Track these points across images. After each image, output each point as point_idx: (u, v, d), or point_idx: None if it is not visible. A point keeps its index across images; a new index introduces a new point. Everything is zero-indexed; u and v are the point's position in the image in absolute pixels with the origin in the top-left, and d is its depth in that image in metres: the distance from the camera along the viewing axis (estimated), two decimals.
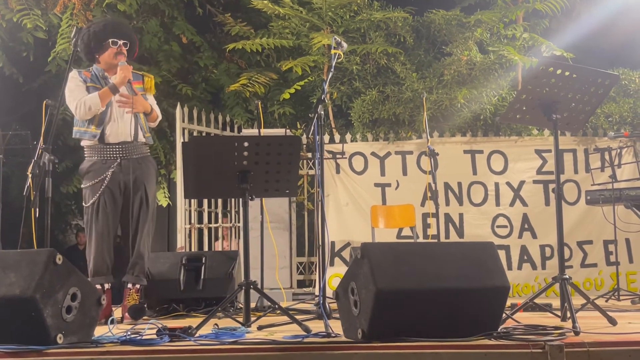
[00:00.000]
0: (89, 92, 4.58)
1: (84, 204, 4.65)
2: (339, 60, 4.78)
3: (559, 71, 3.87)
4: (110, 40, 4.67)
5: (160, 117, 4.95)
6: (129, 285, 4.68)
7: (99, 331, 3.39)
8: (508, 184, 7.25)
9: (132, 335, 3.24)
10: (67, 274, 3.16)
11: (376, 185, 7.34)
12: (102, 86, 4.63)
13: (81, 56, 4.86)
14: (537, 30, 8.17)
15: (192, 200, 7.62)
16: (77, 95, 4.56)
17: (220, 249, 7.97)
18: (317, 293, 6.37)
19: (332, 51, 4.46)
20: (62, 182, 9.58)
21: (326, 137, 7.31)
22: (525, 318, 3.91)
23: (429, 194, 7.03)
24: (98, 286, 4.42)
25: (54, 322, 3.04)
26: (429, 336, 2.98)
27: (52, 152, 4.14)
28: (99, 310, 3.33)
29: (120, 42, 4.70)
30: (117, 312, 4.62)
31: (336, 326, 3.44)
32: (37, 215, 4.05)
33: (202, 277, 5.25)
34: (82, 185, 4.68)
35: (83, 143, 4.70)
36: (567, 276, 3.83)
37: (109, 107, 4.63)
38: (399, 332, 3.02)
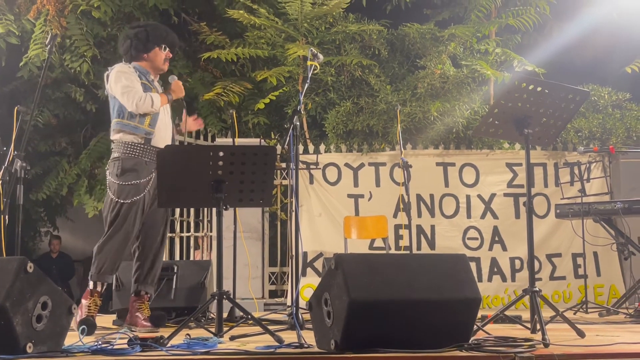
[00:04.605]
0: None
1: (116, 198, 4.37)
2: (315, 71, 4.80)
3: (531, 87, 3.93)
4: (164, 45, 4.69)
5: None
6: (142, 294, 4.56)
7: (70, 340, 3.35)
8: (479, 196, 7.32)
9: (103, 345, 3.22)
10: (38, 283, 3.13)
11: (349, 196, 7.36)
12: (149, 84, 4.58)
13: (123, 50, 4.76)
14: (509, 46, 8.29)
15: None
16: (138, 87, 4.47)
17: (199, 258, 7.92)
18: (289, 303, 6.37)
19: (309, 62, 4.48)
20: (32, 189, 9.45)
21: (300, 148, 7.30)
22: (496, 330, 3.95)
23: (401, 206, 7.07)
24: (99, 284, 4.35)
25: (24, 330, 3.00)
26: (401, 347, 3.00)
27: (23, 158, 4.10)
28: (69, 319, 3.29)
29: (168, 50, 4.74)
30: (101, 321, 4.56)
31: (309, 337, 3.45)
32: (7, 222, 4.01)
33: (173, 286, 5.22)
34: (118, 181, 4.40)
35: (124, 138, 4.47)
36: (537, 289, 3.88)
37: (162, 113, 4.61)
38: (372, 343, 3.04)
